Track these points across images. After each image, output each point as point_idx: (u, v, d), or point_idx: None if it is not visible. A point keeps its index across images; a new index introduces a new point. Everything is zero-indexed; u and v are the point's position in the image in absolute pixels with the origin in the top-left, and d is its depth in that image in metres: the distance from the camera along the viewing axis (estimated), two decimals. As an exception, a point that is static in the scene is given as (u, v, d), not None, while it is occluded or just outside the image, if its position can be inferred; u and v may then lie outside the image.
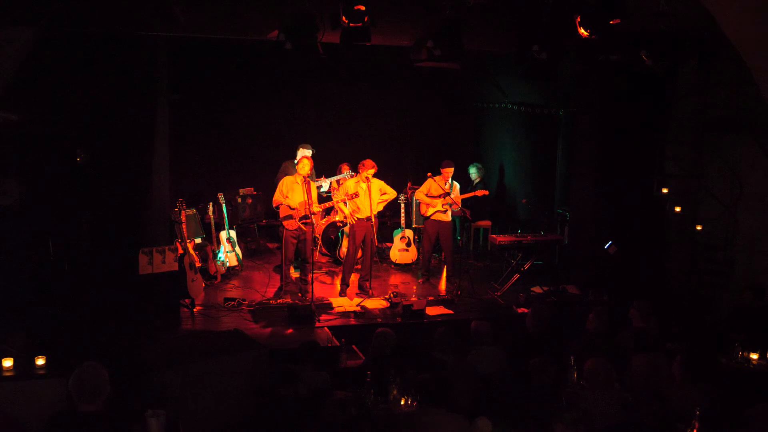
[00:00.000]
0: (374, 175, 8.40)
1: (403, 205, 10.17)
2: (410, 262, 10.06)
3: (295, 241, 8.24)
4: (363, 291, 8.58)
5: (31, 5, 6.30)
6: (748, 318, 6.64)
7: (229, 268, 9.27)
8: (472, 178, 10.69)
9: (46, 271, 6.83)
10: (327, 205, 8.64)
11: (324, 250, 10.05)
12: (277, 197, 8.19)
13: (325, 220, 9.85)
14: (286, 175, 8.60)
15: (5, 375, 4.84)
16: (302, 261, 8.44)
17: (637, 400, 4.91)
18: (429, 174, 8.93)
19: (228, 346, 5.53)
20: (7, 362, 4.90)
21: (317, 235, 9.64)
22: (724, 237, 8.31)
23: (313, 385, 4.87)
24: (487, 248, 10.85)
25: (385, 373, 4.92)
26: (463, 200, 9.22)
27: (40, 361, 4.95)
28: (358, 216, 8.37)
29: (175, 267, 7.32)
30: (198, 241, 9.06)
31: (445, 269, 9.00)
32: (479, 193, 9.58)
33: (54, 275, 6.82)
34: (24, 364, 4.94)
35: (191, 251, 8.26)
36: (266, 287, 8.65)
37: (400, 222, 10.21)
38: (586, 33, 6.53)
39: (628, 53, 6.98)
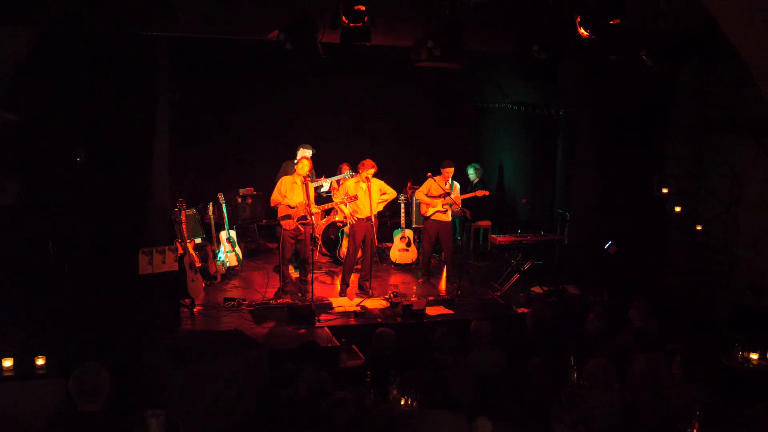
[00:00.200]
0: (374, 175, 8.40)
1: (403, 205, 10.17)
2: (410, 262, 10.06)
3: (292, 241, 8.24)
4: (363, 291, 8.58)
5: (31, 5, 6.30)
6: (748, 318, 6.65)
7: (229, 268, 9.27)
8: (471, 179, 10.69)
9: (46, 271, 6.83)
10: (327, 206, 8.64)
11: (324, 250, 10.05)
12: (275, 197, 8.19)
13: (325, 220, 9.85)
14: (286, 174, 8.61)
15: (5, 375, 4.84)
16: (302, 261, 8.44)
17: (637, 400, 4.91)
18: (429, 174, 8.93)
19: (228, 346, 5.53)
20: (7, 362, 4.90)
21: (317, 235, 9.64)
22: (724, 237, 8.30)
23: (313, 385, 4.87)
24: (487, 248, 10.85)
25: (385, 373, 4.92)
26: (463, 200, 9.22)
27: (40, 361, 4.95)
28: (358, 216, 8.37)
29: (175, 267, 7.32)
30: (198, 241, 9.06)
31: (445, 269, 9.01)
32: (479, 193, 9.58)
33: (54, 275, 6.81)
34: (24, 364, 4.94)
35: (191, 251, 8.26)
36: (266, 287, 8.64)
37: (400, 222, 10.22)
38: (586, 33, 6.54)
39: (628, 53, 6.98)
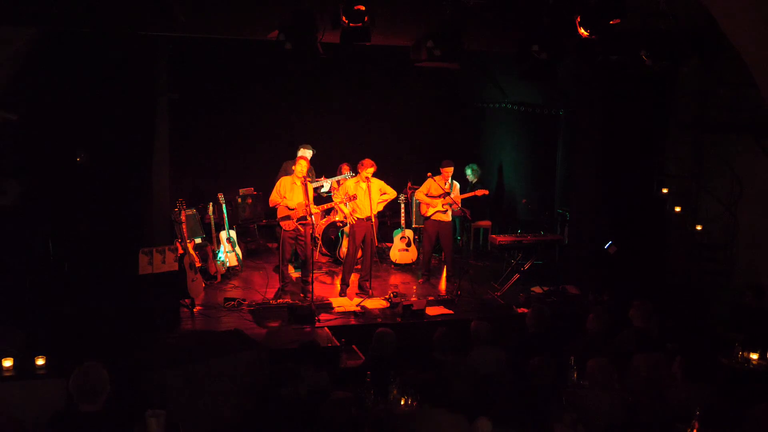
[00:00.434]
0: (374, 175, 8.40)
1: (403, 205, 10.18)
2: (410, 262, 10.06)
3: (292, 242, 8.25)
4: (363, 291, 8.58)
5: (31, 5, 6.30)
6: (748, 318, 6.64)
7: (229, 268, 9.27)
8: (469, 180, 10.69)
9: (46, 271, 6.83)
10: (327, 206, 8.64)
11: (324, 250, 10.05)
12: (274, 197, 8.19)
13: (325, 220, 9.85)
14: (286, 174, 8.61)
15: (5, 375, 4.83)
16: (303, 262, 8.45)
17: (637, 400, 4.91)
18: (429, 174, 8.94)
19: (228, 346, 5.53)
20: (7, 362, 4.88)
21: (317, 235, 9.65)
22: (724, 237, 8.30)
23: (313, 385, 4.86)
24: (487, 248, 10.85)
25: (385, 373, 4.92)
26: (462, 200, 9.22)
27: (40, 361, 4.94)
28: (358, 216, 8.37)
29: (175, 267, 7.32)
30: (198, 241, 9.07)
31: (445, 269, 9.00)
32: (479, 192, 9.59)
33: (54, 275, 6.81)
34: (24, 364, 4.94)
35: (191, 251, 8.26)
36: (266, 287, 8.64)
37: (400, 222, 10.22)
38: (586, 33, 6.54)
39: (628, 53, 6.98)
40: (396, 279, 9.57)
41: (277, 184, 8.22)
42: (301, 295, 8.24)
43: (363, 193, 8.28)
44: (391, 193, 8.62)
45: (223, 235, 9.31)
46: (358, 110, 11.38)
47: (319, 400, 4.51)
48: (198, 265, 8.37)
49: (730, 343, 6.00)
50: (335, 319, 7.69)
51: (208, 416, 4.98)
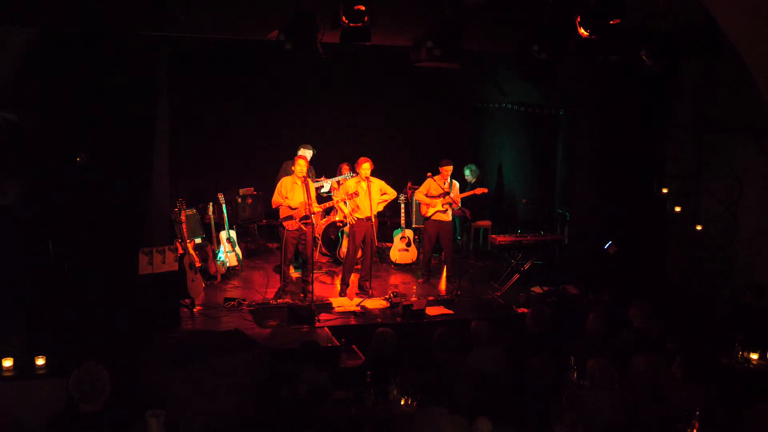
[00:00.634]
0: (374, 175, 8.41)
1: (403, 205, 10.18)
2: (410, 262, 10.06)
3: (295, 242, 8.25)
4: (363, 291, 8.58)
5: (31, 5, 6.30)
6: (748, 318, 6.64)
7: (229, 268, 9.27)
8: (467, 180, 10.69)
9: (46, 271, 6.82)
10: (327, 205, 8.65)
11: (324, 250, 10.05)
12: (276, 198, 8.19)
13: (325, 220, 9.85)
14: (286, 174, 8.61)
15: (5, 375, 4.83)
16: (303, 262, 8.44)
17: (637, 400, 4.91)
18: (429, 174, 8.94)
19: (228, 346, 5.53)
20: (7, 362, 4.89)
21: (317, 235, 9.64)
22: (724, 237, 8.30)
23: (313, 385, 4.86)
24: (487, 248, 10.85)
25: (385, 373, 4.92)
26: (462, 199, 9.22)
27: (40, 361, 4.95)
28: (358, 216, 8.37)
29: (175, 267, 7.32)
30: (198, 241, 9.07)
31: (445, 269, 9.00)
32: (478, 191, 9.59)
33: (54, 275, 6.81)
34: (24, 364, 4.94)
35: (191, 251, 8.26)
36: (266, 287, 8.64)
37: (400, 222, 10.22)
38: (586, 33, 6.54)
39: (628, 53, 6.98)
40: (396, 279, 9.57)
41: (279, 185, 8.23)
42: (301, 295, 8.24)
43: (363, 192, 8.28)
44: (392, 193, 8.62)
45: (223, 235, 9.31)
46: (358, 110, 11.38)
47: (319, 400, 4.51)
48: (198, 265, 8.37)
49: (730, 343, 6.00)
50: (335, 319, 7.68)
51: (208, 416, 4.98)
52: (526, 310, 7.23)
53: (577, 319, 6.77)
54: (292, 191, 8.11)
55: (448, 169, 8.88)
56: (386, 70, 10.56)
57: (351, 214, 8.43)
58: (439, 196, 8.87)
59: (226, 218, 9.32)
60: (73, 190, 6.99)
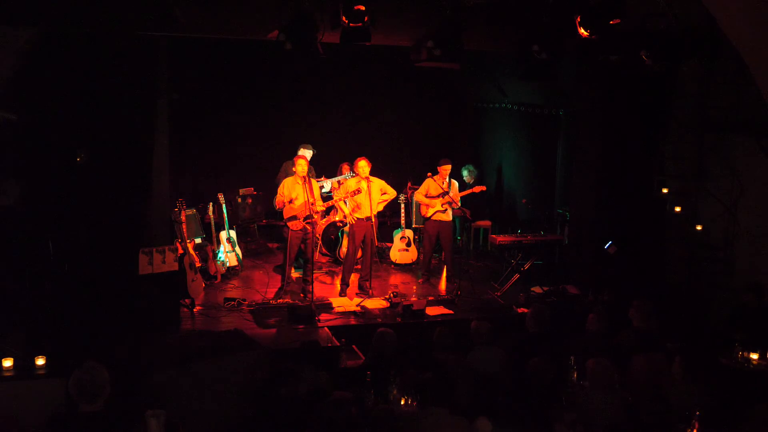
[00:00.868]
0: (373, 175, 8.41)
1: (403, 205, 10.18)
2: (410, 262, 10.06)
3: (299, 242, 8.25)
4: (363, 291, 8.58)
5: (31, 5, 6.30)
6: (748, 318, 6.64)
7: (229, 268, 9.27)
8: (465, 181, 10.68)
9: (46, 271, 6.82)
10: (328, 204, 8.65)
11: (324, 250, 10.05)
12: (279, 199, 8.20)
13: (325, 220, 9.85)
14: (286, 175, 8.61)
15: (5, 375, 4.83)
16: (304, 261, 8.44)
17: (637, 400, 4.91)
18: (429, 174, 8.94)
19: (228, 346, 5.52)
20: (7, 362, 4.89)
21: (317, 235, 9.64)
22: (724, 237, 8.30)
23: (313, 385, 4.86)
24: (487, 248, 10.86)
25: (385, 373, 4.92)
26: (461, 198, 9.22)
27: (40, 361, 4.95)
28: (358, 215, 8.37)
29: (175, 267, 7.32)
30: (198, 241, 9.07)
31: (445, 269, 9.01)
32: (477, 189, 9.58)
33: (54, 275, 6.81)
34: (24, 364, 4.94)
35: (191, 251, 8.26)
36: (266, 287, 8.65)
37: (400, 222, 10.22)
38: (586, 33, 6.54)
39: (628, 53, 6.98)
40: (396, 279, 9.57)
41: (281, 186, 8.23)
42: (301, 295, 8.24)
43: (363, 192, 8.28)
44: (392, 193, 8.62)
45: (223, 235, 9.31)
46: (358, 110, 11.38)
47: (319, 400, 4.50)
48: (198, 265, 8.37)
49: (730, 343, 6.00)
50: (335, 319, 7.69)
51: (208, 416, 4.98)
52: (526, 310, 7.23)
53: (577, 319, 6.77)
54: (294, 191, 8.11)
55: (447, 169, 8.88)
56: (386, 70, 10.56)
57: (351, 214, 8.43)
58: (438, 195, 8.87)
59: (226, 218, 9.32)
60: (73, 190, 7.00)
